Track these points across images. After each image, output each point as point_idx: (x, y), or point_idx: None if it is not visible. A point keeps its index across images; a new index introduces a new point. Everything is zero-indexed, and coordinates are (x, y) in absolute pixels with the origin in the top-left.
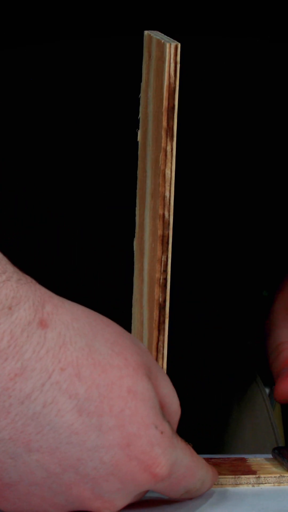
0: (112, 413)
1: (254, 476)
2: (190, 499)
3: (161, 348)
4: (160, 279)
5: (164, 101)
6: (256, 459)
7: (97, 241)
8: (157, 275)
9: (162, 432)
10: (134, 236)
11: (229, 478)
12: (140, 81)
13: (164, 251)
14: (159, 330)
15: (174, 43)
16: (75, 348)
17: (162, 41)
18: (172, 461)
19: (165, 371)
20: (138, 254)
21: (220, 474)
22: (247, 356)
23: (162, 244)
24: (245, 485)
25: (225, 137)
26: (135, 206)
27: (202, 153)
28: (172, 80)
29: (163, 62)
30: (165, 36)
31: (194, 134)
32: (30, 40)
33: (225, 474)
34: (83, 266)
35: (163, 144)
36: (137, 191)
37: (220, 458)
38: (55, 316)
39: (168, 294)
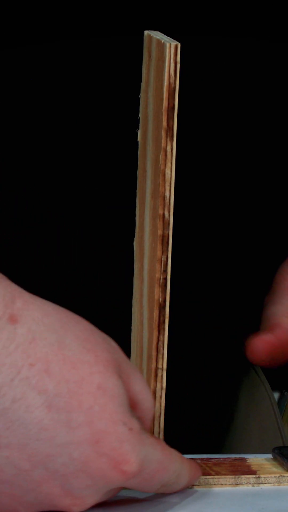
0: (81, 409)
1: (254, 476)
2: (172, 493)
3: (161, 348)
4: (160, 279)
5: (164, 101)
6: (256, 459)
7: (97, 241)
8: (157, 275)
9: (130, 429)
10: (134, 236)
11: (229, 478)
12: (140, 81)
13: (164, 251)
14: (159, 330)
15: (174, 43)
16: (45, 344)
17: (162, 41)
18: (141, 457)
19: (165, 371)
20: (138, 254)
21: (220, 474)
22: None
23: (162, 244)
24: (245, 485)
25: (225, 137)
26: (135, 206)
27: (202, 153)
28: (172, 80)
29: (163, 62)
30: (165, 36)
31: (194, 134)
32: (30, 40)
33: (225, 474)
34: (83, 266)
35: (163, 144)
36: (137, 191)
37: (220, 458)
38: (25, 311)
39: (168, 294)
